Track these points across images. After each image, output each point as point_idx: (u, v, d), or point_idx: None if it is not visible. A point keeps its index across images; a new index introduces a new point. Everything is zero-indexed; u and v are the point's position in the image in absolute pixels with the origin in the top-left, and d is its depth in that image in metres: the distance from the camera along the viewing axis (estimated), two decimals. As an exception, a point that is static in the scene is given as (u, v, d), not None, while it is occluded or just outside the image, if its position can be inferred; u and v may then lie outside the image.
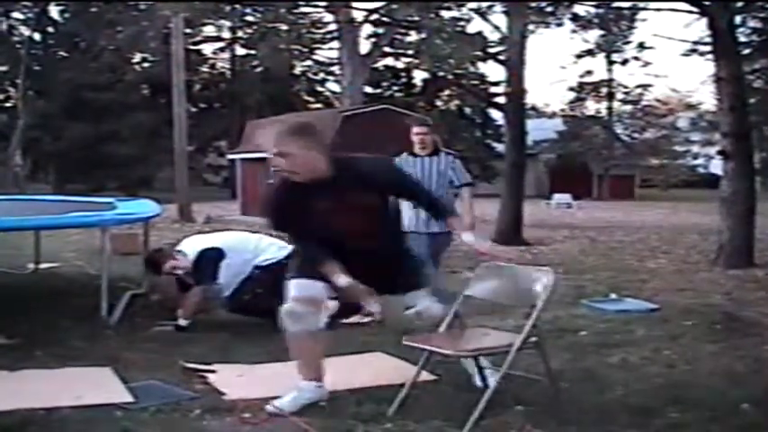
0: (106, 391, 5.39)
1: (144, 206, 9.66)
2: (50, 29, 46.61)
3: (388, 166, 5.58)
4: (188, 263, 7.72)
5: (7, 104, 46.47)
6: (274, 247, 7.82)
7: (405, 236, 5.63)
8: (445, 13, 33.61)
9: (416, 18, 33.15)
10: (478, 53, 38.30)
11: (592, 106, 55.44)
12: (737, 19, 14.76)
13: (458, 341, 5.10)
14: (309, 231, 5.12)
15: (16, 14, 45.87)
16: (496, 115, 52.28)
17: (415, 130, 9.19)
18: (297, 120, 5.33)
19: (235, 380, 5.67)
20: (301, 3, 37.05)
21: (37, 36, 45.88)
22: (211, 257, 7.62)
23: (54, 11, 45.92)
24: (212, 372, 5.83)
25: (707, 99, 58.17)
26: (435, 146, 9.12)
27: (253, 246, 7.89)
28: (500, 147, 40.75)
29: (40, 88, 44.44)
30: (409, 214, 9.04)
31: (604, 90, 53.98)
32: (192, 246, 7.84)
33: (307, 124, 5.39)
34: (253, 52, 47.69)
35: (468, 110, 56.24)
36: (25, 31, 45.75)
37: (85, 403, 5.04)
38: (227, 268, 7.58)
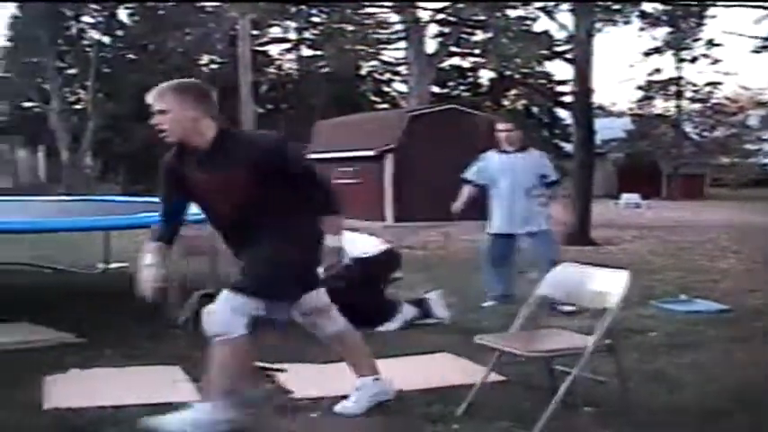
0: (175, 389, 5.44)
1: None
2: (119, 32, 47.19)
3: (278, 149, 4.68)
4: None
5: (78, 107, 47.08)
6: (370, 244, 7.89)
7: (294, 239, 4.65)
8: (511, 12, 33.47)
9: (482, 17, 33.04)
10: (545, 52, 38.08)
11: (660, 105, 54.83)
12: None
13: (530, 341, 5.06)
14: (178, 200, 4.89)
15: (86, 18, 46.47)
16: (564, 114, 51.95)
17: (501, 126, 9.11)
18: (191, 80, 4.61)
19: (304, 379, 5.68)
20: (367, 3, 37.11)
21: (106, 39, 46.45)
22: None
23: (123, 14, 46.49)
24: (282, 371, 5.85)
25: (778, 96, 57.28)
26: (523, 142, 9.02)
27: (351, 242, 7.94)
28: (568, 146, 40.44)
29: (110, 90, 44.99)
30: (501, 214, 8.97)
31: (673, 88, 53.33)
32: None
33: (194, 84, 4.80)
34: (319, 53, 47.87)
35: (535, 109, 55.95)
36: (95, 35, 46.35)
37: (154, 401, 5.09)
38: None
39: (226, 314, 4.51)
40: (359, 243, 7.93)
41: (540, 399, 4.84)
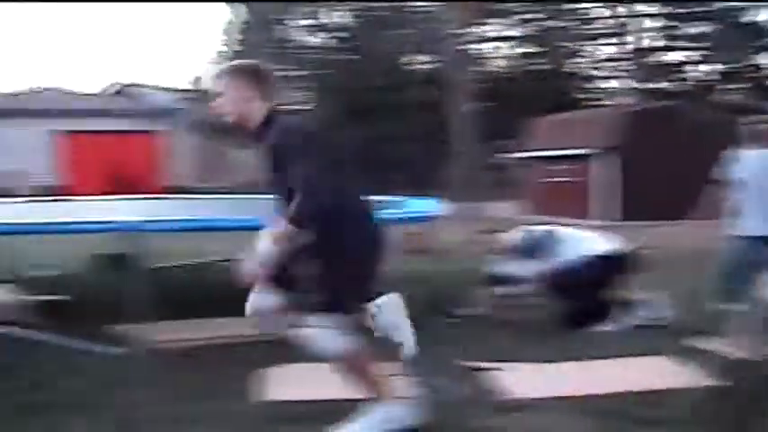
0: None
1: (423, 205, 9.72)
2: (334, 34, 48.02)
3: (287, 129, 4.44)
4: (516, 240, 7.87)
5: (289, 108, 48.16)
6: (597, 243, 7.81)
7: (338, 247, 4.40)
8: (726, 4, 32.60)
9: (695, 10, 32.32)
10: (763, 44, 36.95)
11: None
12: None
13: (752, 347, 4.90)
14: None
15: (300, 21, 47.49)
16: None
17: (759, 118, 8.62)
18: (250, 61, 4.41)
19: (521, 379, 5.64)
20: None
21: (317, 41, 47.39)
22: (544, 238, 7.71)
23: (334, 15, 47.32)
24: (498, 369, 5.83)
25: None
26: None
27: (585, 239, 7.89)
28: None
29: (322, 92, 45.81)
30: (756, 216, 8.22)
31: None
32: (524, 228, 8.01)
33: (251, 65, 4.70)
34: (531, 50, 47.63)
35: (754, 103, 54.14)
36: (306, 37, 47.35)
37: (366, 396, 5.10)
38: (558, 257, 7.61)
39: (320, 338, 4.43)
40: (587, 241, 7.82)
41: (759, 408, 4.67)
